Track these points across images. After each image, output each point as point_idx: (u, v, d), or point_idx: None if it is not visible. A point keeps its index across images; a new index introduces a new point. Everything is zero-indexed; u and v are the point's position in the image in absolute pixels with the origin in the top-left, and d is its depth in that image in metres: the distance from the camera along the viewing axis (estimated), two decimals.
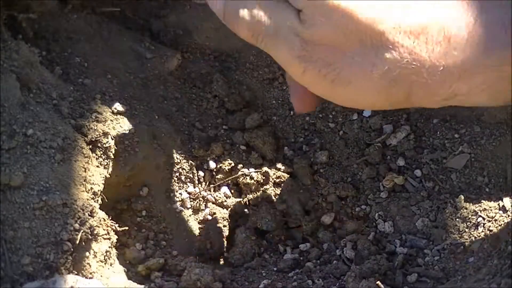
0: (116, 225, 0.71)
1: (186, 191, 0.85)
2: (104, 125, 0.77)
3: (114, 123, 0.78)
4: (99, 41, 0.86)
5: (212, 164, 0.87)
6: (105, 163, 0.75)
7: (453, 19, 0.57)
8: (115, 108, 0.80)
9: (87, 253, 0.66)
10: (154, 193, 0.82)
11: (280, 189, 0.84)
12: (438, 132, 0.83)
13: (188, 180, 0.86)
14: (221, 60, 0.93)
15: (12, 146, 0.66)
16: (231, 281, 0.75)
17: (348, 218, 0.83)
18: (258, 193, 0.84)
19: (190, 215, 0.84)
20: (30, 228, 0.64)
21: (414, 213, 0.79)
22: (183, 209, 0.84)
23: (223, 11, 0.64)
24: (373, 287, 0.68)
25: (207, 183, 0.87)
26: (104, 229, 0.68)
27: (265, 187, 0.84)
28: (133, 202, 0.81)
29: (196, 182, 0.86)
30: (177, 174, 0.85)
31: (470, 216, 0.75)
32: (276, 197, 0.84)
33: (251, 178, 0.85)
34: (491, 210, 0.75)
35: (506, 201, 0.74)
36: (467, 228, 0.74)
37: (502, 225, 0.72)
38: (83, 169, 0.71)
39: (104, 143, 0.76)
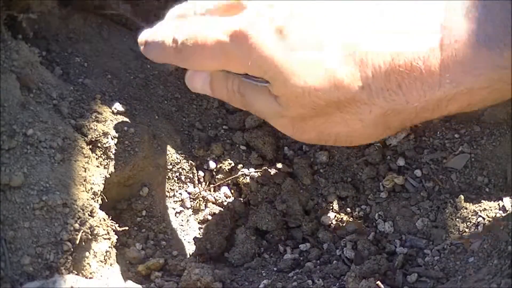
0: (116, 225, 0.71)
1: (186, 191, 0.85)
2: (104, 125, 0.77)
3: (114, 123, 0.78)
4: (99, 41, 0.87)
5: (212, 164, 0.87)
6: (105, 163, 0.75)
7: (420, 50, 0.58)
8: (115, 108, 0.80)
9: (87, 253, 0.66)
10: (154, 193, 0.82)
11: (280, 189, 0.84)
12: (438, 132, 0.83)
13: (188, 180, 0.86)
14: None
15: (12, 146, 0.66)
16: (231, 281, 0.75)
17: (348, 218, 0.83)
18: (258, 193, 0.84)
19: (190, 215, 0.84)
20: (30, 228, 0.64)
21: (414, 213, 0.79)
22: (183, 209, 0.84)
23: (211, 92, 0.69)
24: (373, 287, 0.68)
25: (207, 183, 0.87)
26: (104, 229, 0.68)
27: (265, 187, 0.84)
28: (133, 202, 0.81)
29: (196, 182, 0.86)
30: (177, 174, 0.85)
31: (470, 216, 0.75)
32: (276, 197, 0.84)
33: (251, 178, 0.85)
34: (491, 210, 0.75)
35: (506, 201, 0.74)
36: (467, 228, 0.74)
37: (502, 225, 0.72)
38: (83, 169, 0.71)
39: (104, 143, 0.76)
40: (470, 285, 0.65)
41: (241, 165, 0.86)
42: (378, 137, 0.68)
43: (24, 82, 0.72)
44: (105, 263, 0.68)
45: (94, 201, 0.71)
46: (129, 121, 0.80)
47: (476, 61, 0.56)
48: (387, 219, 0.80)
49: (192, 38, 0.63)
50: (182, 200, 0.84)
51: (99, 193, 0.72)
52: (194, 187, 0.86)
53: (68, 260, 0.64)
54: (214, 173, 0.87)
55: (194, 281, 0.73)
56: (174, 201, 0.84)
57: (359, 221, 0.82)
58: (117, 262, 0.72)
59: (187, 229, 0.83)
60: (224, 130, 0.89)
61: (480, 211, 0.75)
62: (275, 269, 0.78)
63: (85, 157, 0.72)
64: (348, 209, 0.84)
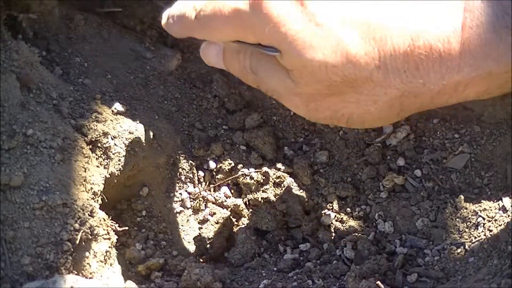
0: (116, 225, 0.71)
1: (186, 191, 0.85)
2: (104, 125, 0.77)
3: (114, 123, 0.78)
4: (99, 41, 0.87)
5: (212, 164, 0.87)
6: (105, 163, 0.75)
7: (440, 32, 0.57)
8: (115, 108, 0.80)
9: (87, 253, 0.66)
10: (154, 193, 0.82)
11: (280, 189, 0.84)
12: (438, 132, 0.83)
13: (188, 180, 0.86)
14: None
15: (12, 146, 0.66)
16: (231, 281, 0.75)
17: (348, 218, 0.83)
18: (258, 193, 0.84)
19: (190, 215, 0.84)
20: (30, 228, 0.64)
21: (414, 213, 0.79)
22: (183, 209, 0.84)
23: (223, 64, 0.68)
24: (373, 287, 0.68)
25: (207, 183, 0.87)
26: (104, 229, 0.68)
27: (265, 187, 0.84)
28: (133, 202, 0.81)
29: (196, 182, 0.86)
30: (177, 174, 0.85)
31: (470, 216, 0.75)
32: (276, 197, 0.84)
33: (251, 178, 0.85)
34: (491, 210, 0.74)
35: (506, 201, 0.74)
36: (467, 228, 0.74)
37: (502, 225, 0.72)
38: (83, 169, 0.71)
39: (104, 143, 0.76)
40: (470, 285, 0.65)
41: (241, 165, 0.86)
42: (391, 120, 0.67)
43: (24, 82, 0.72)
44: (105, 263, 0.68)
45: (94, 201, 0.71)
46: (129, 121, 0.80)
47: (497, 45, 0.56)
48: (387, 219, 0.80)
49: (210, 5, 0.62)
50: (182, 200, 0.84)
51: (99, 193, 0.72)
52: (194, 187, 0.86)
53: (68, 260, 0.64)
54: (214, 173, 0.87)
55: (194, 281, 0.73)
56: (174, 201, 0.84)
57: (359, 221, 0.82)
58: (117, 262, 0.72)
59: (187, 229, 0.83)
60: (224, 130, 0.89)
61: (480, 211, 0.75)
62: (275, 269, 0.78)
63: (85, 157, 0.72)
64: (348, 209, 0.84)
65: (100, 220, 0.68)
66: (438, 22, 0.57)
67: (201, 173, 0.87)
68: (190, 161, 0.86)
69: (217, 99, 0.90)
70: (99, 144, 0.75)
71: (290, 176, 0.85)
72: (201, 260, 0.80)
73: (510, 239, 0.67)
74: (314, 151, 0.88)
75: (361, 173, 0.85)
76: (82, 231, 0.65)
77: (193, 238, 0.82)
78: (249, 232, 0.82)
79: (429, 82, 0.58)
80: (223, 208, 0.85)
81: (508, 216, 0.73)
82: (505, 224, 0.72)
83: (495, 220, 0.73)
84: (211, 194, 0.86)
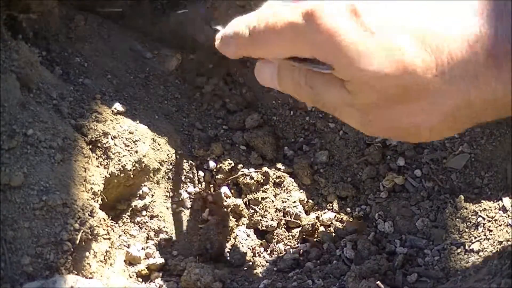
0: (116, 225, 0.71)
1: (186, 191, 0.85)
2: (104, 125, 0.77)
3: (114, 123, 0.78)
4: (99, 41, 0.87)
5: (212, 164, 0.87)
6: (105, 163, 0.75)
7: (500, 37, 0.55)
8: (115, 108, 0.80)
9: (87, 253, 0.66)
10: (154, 193, 0.82)
11: (280, 189, 0.84)
12: None
13: (188, 180, 0.86)
14: (221, 60, 0.92)
15: (12, 146, 0.66)
16: (231, 281, 0.75)
17: (348, 218, 0.83)
18: (258, 193, 0.84)
19: (190, 215, 0.84)
20: (30, 228, 0.64)
21: (414, 213, 0.79)
22: (183, 209, 0.84)
23: (277, 83, 0.66)
24: (373, 287, 0.68)
25: (207, 183, 0.87)
26: (104, 229, 0.68)
27: (265, 187, 0.84)
28: (133, 202, 0.81)
29: (196, 182, 0.86)
30: (177, 174, 0.85)
31: (470, 216, 0.75)
32: (276, 197, 0.84)
33: (251, 178, 0.85)
34: (491, 210, 0.75)
35: (506, 201, 0.74)
36: (467, 228, 0.74)
37: (502, 225, 0.72)
38: (83, 169, 0.71)
39: (104, 143, 0.76)
40: (470, 285, 0.65)
41: (241, 165, 0.86)
42: (446, 133, 0.64)
43: (24, 82, 0.72)
44: (105, 263, 0.68)
45: (94, 201, 0.71)
46: (129, 121, 0.80)
47: None
48: (387, 219, 0.80)
49: (264, 21, 0.61)
50: (182, 200, 0.84)
51: (99, 193, 0.72)
52: (194, 187, 0.86)
53: (68, 260, 0.64)
54: (214, 173, 0.87)
55: (194, 281, 0.73)
56: (174, 201, 0.84)
57: (359, 221, 0.82)
58: (117, 262, 0.72)
59: (187, 229, 0.83)
60: (224, 130, 0.89)
61: (480, 211, 0.75)
62: (275, 269, 0.78)
63: (85, 157, 0.72)
64: (348, 209, 0.84)
65: (100, 220, 0.68)
66: (500, 29, 0.56)
67: (201, 173, 0.87)
68: (190, 161, 0.86)
69: (218, 98, 0.90)
70: (99, 144, 0.75)
71: (290, 176, 0.85)
72: (201, 260, 0.80)
73: (510, 239, 0.66)
74: (314, 151, 0.88)
75: (361, 173, 0.85)
76: (82, 231, 0.65)
77: (193, 238, 0.82)
78: (249, 232, 0.82)
79: (487, 91, 0.56)
80: (223, 208, 0.85)
81: (508, 216, 0.73)
82: (505, 224, 0.72)
83: (495, 220, 0.73)
84: (211, 194, 0.86)
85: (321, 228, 0.83)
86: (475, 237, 0.73)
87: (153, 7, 0.92)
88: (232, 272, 0.78)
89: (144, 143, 0.80)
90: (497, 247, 0.69)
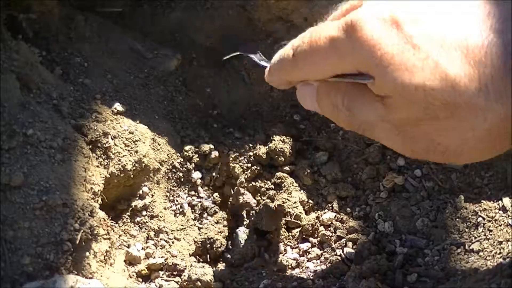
0: (116, 225, 0.71)
1: (185, 191, 0.85)
2: (104, 125, 0.77)
3: (114, 123, 0.78)
4: (99, 41, 0.87)
5: (212, 164, 0.87)
6: (105, 163, 0.75)
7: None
8: (115, 108, 0.80)
9: (87, 253, 0.66)
10: (154, 193, 0.82)
11: (280, 189, 0.84)
12: None
13: (188, 180, 0.86)
14: (221, 60, 0.92)
15: (12, 146, 0.66)
16: (231, 281, 0.75)
17: (348, 218, 0.83)
18: (258, 193, 0.84)
19: (190, 216, 0.84)
20: (30, 228, 0.64)
21: (414, 213, 0.79)
22: (183, 209, 0.84)
23: (318, 106, 0.65)
24: (373, 287, 0.68)
25: (207, 183, 0.87)
26: (104, 229, 0.68)
27: (265, 187, 0.84)
28: (133, 202, 0.81)
29: (196, 182, 0.86)
30: (177, 174, 0.85)
31: (470, 216, 0.75)
32: (276, 197, 0.84)
33: (251, 178, 0.85)
34: (491, 210, 0.75)
35: (506, 201, 0.74)
36: (467, 228, 0.74)
37: (502, 225, 0.72)
38: (83, 169, 0.71)
39: (104, 143, 0.76)
40: (470, 285, 0.65)
41: (240, 164, 0.86)
42: (489, 153, 0.61)
43: (24, 82, 0.72)
44: (105, 263, 0.68)
45: (94, 201, 0.71)
46: (129, 121, 0.80)
47: None
48: (387, 219, 0.80)
49: (306, 39, 0.60)
50: (182, 200, 0.84)
51: (99, 193, 0.72)
52: (193, 188, 0.86)
53: (68, 260, 0.64)
54: (214, 173, 0.87)
55: (194, 281, 0.73)
56: (174, 202, 0.84)
57: (359, 221, 0.82)
58: (117, 262, 0.72)
59: (187, 229, 0.83)
60: (224, 130, 0.89)
61: (480, 211, 0.75)
62: (275, 269, 0.78)
63: (85, 157, 0.72)
64: (348, 209, 0.84)
65: (100, 220, 0.68)
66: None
67: (201, 173, 0.87)
68: (190, 161, 0.86)
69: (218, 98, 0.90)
70: (99, 144, 0.75)
71: (290, 176, 0.85)
72: (201, 260, 0.79)
73: (510, 239, 0.67)
74: (314, 151, 0.88)
75: (361, 173, 0.85)
76: (82, 231, 0.65)
77: (193, 238, 0.82)
78: (249, 232, 0.82)
79: None
80: (223, 208, 0.85)
81: (508, 216, 0.73)
82: (505, 224, 0.72)
83: (495, 220, 0.73)
84: (211, 194, 0.86)
85: (321, 228, 0.83)
86: (475, 237, 0.73)
87: (153, 7, 0.92)
88: (232, 272, 0.78)
89: (144, 143, 0.80)
90: (497, 247, 0.69)
